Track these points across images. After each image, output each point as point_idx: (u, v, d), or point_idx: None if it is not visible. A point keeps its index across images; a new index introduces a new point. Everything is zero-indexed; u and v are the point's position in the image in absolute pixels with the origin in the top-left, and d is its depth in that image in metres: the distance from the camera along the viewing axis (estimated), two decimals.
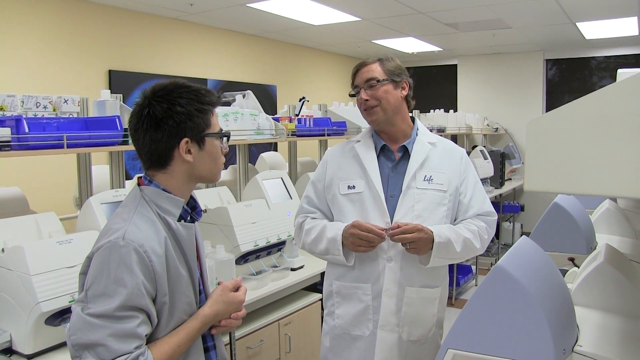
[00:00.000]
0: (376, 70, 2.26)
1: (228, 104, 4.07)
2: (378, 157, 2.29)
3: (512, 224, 8.27)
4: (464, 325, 1.23)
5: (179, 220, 1.63)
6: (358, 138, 2.39)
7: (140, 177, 1.68)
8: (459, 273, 6.48)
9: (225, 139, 1.71)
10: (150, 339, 1.54)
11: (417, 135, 2.33)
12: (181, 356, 1.61)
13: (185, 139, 1.59)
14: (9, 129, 2.36)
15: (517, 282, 1.18)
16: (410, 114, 2.39)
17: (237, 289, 1.78)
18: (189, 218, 1.70)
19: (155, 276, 1.50)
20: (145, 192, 1.62)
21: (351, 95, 2.35)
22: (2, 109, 2.60)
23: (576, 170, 0.94)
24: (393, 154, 2.30)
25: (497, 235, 7.95)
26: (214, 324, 1.72)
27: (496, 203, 7.46)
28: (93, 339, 1.41)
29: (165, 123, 1.57)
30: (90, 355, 1.41)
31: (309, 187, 2.43)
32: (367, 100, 2.25)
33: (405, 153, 2.29)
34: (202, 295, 1.73)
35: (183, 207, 1.65)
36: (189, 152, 1.60)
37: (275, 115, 4.16)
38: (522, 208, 8.06)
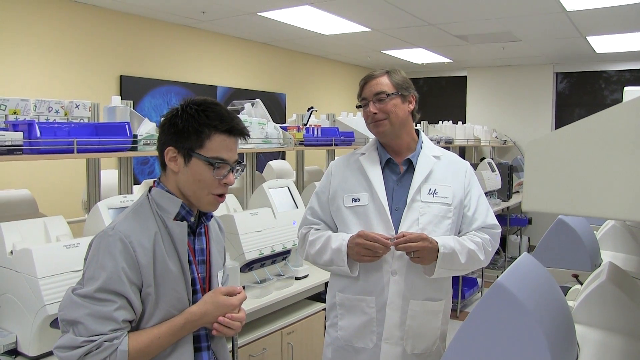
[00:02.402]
0: (385, 84, 2.27)
1: (237, 112, 4.10)
2: (383, 170, 2.30)
3: (519, 237, 8.23)
4: (462, 341, 1.24)
5: (181, 220, 1.73)
6: (363, 150, 2.39)
7: (155, 181, 1.81)
8: (465, 286, 6.46)
9: (220, 169, 1.71)
10: (136, 328, 1.65)
11: (421, 148, 2.34)
12: (167, 350, 1.68)
13: (170, 147, 1.69)
14: (22, 133, 2.41)
15: (516, 300, 1.18)
16: (415, 127, 2.40)
17: (232, 295, 1.80)
18: (192, 219, 1.78)
19: (140, 266, 1.61)
20: (152, 192, 1.76)
21: (358, 107, 2.36)
22: (15, 112, 2.65)
23: (576, 191, 0.95)
24: (398, 167, 2.31)
25: (503, 248, 7.92)
26: (207, 325, 1.75)
27: (503, 216, 7.44)
28: (75, 316, 1.54)
29: (165, 128, 1.71)
30: (72, 331, 1.55)
31: (313, 198, 2.44)
32: (375, 113, 2.26)
33: (410, 166, 2.29)
34: (198, 295, 1.78)
35: (184, 207, 1.73)
36: (174, 160, 1.70)
37: (284, 125, 4.18)
38: (529, 221, 8.03)
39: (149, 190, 1.78)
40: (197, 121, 1.67)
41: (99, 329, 1.53)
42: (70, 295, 1.58)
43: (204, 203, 1.75)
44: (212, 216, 1.89)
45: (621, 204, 0.92)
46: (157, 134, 1.79)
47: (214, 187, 1.72)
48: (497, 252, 7.60)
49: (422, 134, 2.41)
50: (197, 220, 1.82)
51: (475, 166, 6.93)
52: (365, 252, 2.13)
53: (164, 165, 1.75)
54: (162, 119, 1.75)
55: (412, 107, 2.32)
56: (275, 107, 7.87)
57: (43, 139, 2.47)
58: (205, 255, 1.84)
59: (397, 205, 2.24)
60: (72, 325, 1.55)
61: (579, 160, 0.95)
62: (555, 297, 1.38)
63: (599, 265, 2.47)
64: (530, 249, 8.39)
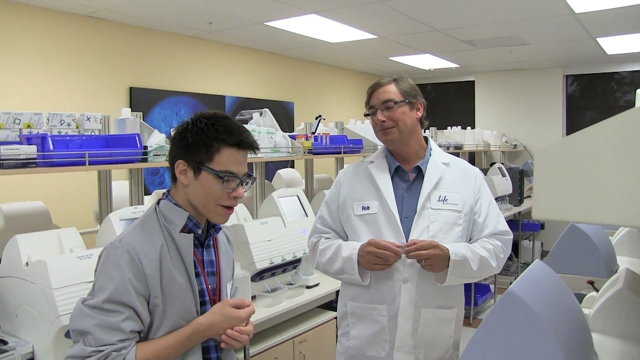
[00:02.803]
0: (392, 92, 2.27)
1: (245, 122, 4.10)
2: (392, 177, 2.29)
3: (531, 242, 8.17)
4: (475, 351, 1.22)
5: (189, 232, 1.75)
6: (371, 159, 2.39)
7: (164, 193, 1.83)
8: (477, 292, 6.42)
9: (229, 183, 1.72)
10: (145, 339, 1.68)
11: (430, 155, 2.33)
12: None
13: (180, 160, 1.72)
14: (35, 146, 2.46)
15: (528, 308, 1.16)
16: (424, 134, 2.40)
17: (241, 308, 1.81)
18: (199, 231, 1.79)
19: (146, 277, 1.63)
20: (160, 205, 1.78)
21: (366, 115, 2.36)
22: (29, 126, 2.69)
23: (588, 198, 0.93)
24: (407, 174, 2.30)
25: (516, 254, 7.86)
26: (215, 337, 1.76)
27: (515, 221, 7.39)
28: (84, 326, 1.58)
29: (176, 141, 1.74)
30: (82, 341, 1.58)
31: (322, 207, 2.43)
32: (384, 121, 2.25)
33: (419, 174, 2.29)
34: (207, 306, 1.79)
35: (190, 219, 1.75)
36: (184, 173, 1.73)
37: (292, 133, 4.18)
38: (542, 226, 7.97)
39: (158, 203, 1.79)
40: (207, 135, 1.68)
41: (107, 339, 1.56)
42: (80, 306, 1.62)
43: (213, 215, 1.76)
44: (220, 228, 1.90)
45: (634, 211, 0.91)
46: (168, 146, 1.80)
47: (223, 200, 1.73)
48: (510, 258, 7.56)
49: (431, 141, 2.40)
50: (205, 233, 1.84)
51: (485, 171, 6.90)
52: (376, 260, 2.12)
53: (174, 178, 1.77)
54: (173, 132, 1.77)
55: (420, 114, 2.31)
56: (284, 115, 7.88)
57: (56, 151, 2.51)
58: (215, 267, 1.85)
59: (407, 213, 2.23)
60: (82, 336, 1.58)
61: (590, 167, 0.94)
62: (569, 305, 1.36)
63: (616, 272, 2.44)
64: (543, 254, 8.34)
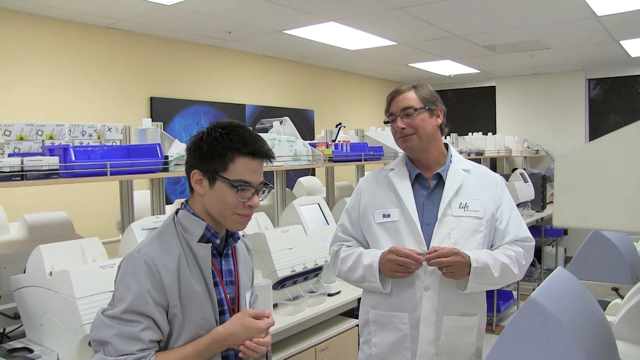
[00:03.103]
0: (412, 98, 2.26)
1: (266, 130, 4.12)
2: (412, 185, 2.28)
3: (555, 248, 8.08)
4: (497, 358, 1.22)
5: (207, 242, 1.75)
6: (392, 166, 2.38)
7: (182, 203, 1.84)
8: (500, 299, 6.36)
9: (244, 192, 1.72)
10: (164, 348, 1.68)
11: (451, 162, 2.32)
12: None
13: (196, 170, 1.72)
14: (58, 157, 2.50)
15: (551, 316, 1.15)
16: (445, 141, 2.39)
17: (260, 318, 1.82)
18: (217, 241, 1.80)
19: (165, 288, 1.64)
20: (178, 215, 1.79)
21: (386, 123, 2.36)
22: (51, 137, 2.74)
23: (610, 206, 0.92)
24: (427, 181, 2.29)
25: (539, 260, 7.78)
26: (234, 347, 1.76)
27: (538, 227, 7.32)
28: (104, 336, 1.59)
29: (191, 151, 1.74)
30: (102, 351, 1.59)
31: (343, 215, 2.43)
32: (403, 128, 2.25)
33: (440, 180, 2.28)
34: (226, 316, 1.80)
35: (208, 229, 1.76)
36: (200, 183, 1.73)
37: (313, 141, 4.18)
38: (565, 232, 7.88)
39: (176, 212, 1.81)
40: (221, 144, 1.69)
41: (127, 348, 1.57)
42: (100, 316, 1.63)
43: (230, 223, 1.77)
44: (239, 237, 1.90)
45: None
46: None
47: (239, 209, 1.72)
48: (533, 264, 7.49)
49: (451, 148, 2.39)
50: (224, 242, 1.84)
51: (507, 177, 6.85)
52: (397, 268, 2.11)
53: (191, 188, 1.77)
54: (190, 142, 1.78)
55: (440, 120, 2.30)
56: (304, 123, 7.89)
57: (78, 162, 2.55)
58: (234, 276, 1.86)
59: (428, 220, 2.22)
60: (102, 345, 1.59)
61: (612, 173, 0.93)
62: (593, 313, 1.34)
63: None
64: (566, 260, 8.25)
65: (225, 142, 1.69)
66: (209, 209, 1.75)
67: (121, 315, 1.59)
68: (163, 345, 1.68)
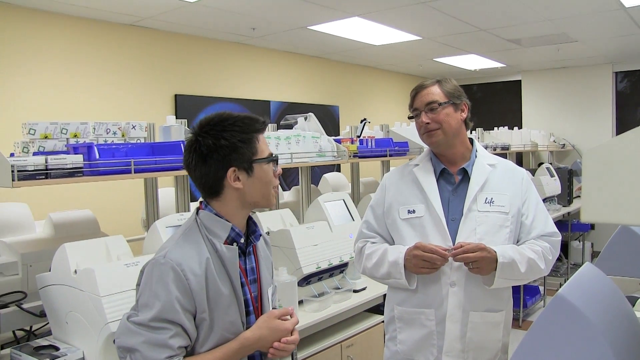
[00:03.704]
0: (436, 93, 2.25)
1: (290, 126, 4.12)
2: (437, 180, 2.27)
3: (581, 243, 7.99)
4: (524, 356, 1.21)
5: (231, 243, 1.74)
6: (416, 162, 2.37)
7: (201, 202, 1.80)
8: (526, 294, 6.31)
9: (275, 162, 1.79)
10: (191, 353, 1.67)
11: (476, 157, 2.30)
12: None
13: (233, 168, 1.70)
14: (82, 155, 2.50)
15: (579, 312, 1.14)
16: (470, 136, 2.37)
17: (286, 318, 1.82)
18: (242, 241, 1.79)
19: (193, 293, 1.62)
20: (200, 216, 1.76)
21: (410, 118, 2.34)
22: (76, 135, 2.75)
23: (636, 201, 0.91)
24: (453, 177, 2.28)
25: (565, 255, 7.71)
26: (262, 350, 1.77)
27: (564, 222, 7.24)
28: (131, 343, 1.58)
29: (212, 157, 1.69)
30: (129, 358, 1.58)
31: (368, 211, 2.43)
32: (428, 123, 2.23)
33: (465, 176, 2.26)
34: (251, 316, 1.80)
35: (233, 230, 1.75)
36: (237, 179, 1.71)
37: (337, 137, 4.18)
38: (592, 227, 7.78)
39: (197, 213, 1.78)
40: (243, 131, 1.71)
41: (155, 356, 1.56)
42: (126, 322, 1.61)
43: (272, 199, 1.81)
44: (260, 234, 1.89)
45: None
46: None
47: (274, 182, 1.79)
48: (559, 259, 7.42)
49: (476, 142, 2.37)
50: (246, 240, 1.84)
51: (533, 172, 6.79)
52: (422, 263, 2.11)
53: (218, 192, 1.74)
54: (198, 152, 1.70)
55: (464, 115, 2.29)
56: (329, 119, 7.89)
57: (102, 160, 2.56)
58: (256, 274, 1.86)
59: (454, 215, 2.21)
60: (129, 352, 1.58)
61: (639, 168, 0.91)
62: (621, 309, 1.33)
63: None
64: (593, 255, 8.16)
65: (244, 128, 1.71)
66: (250, 198, 1.75)
67: (149, 323, 1.57)
68: (190, 350, 1.66)
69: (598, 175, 0.94)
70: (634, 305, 2.16)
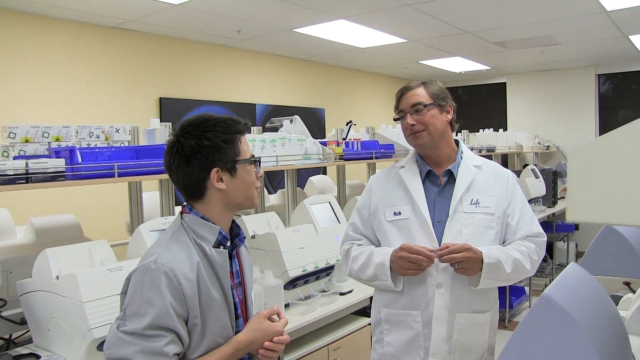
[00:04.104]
0: (422, 95, 2.25)
1: (276, 129, 4.12)
2: (423, 182, 2.27)
3: (566, 243, 8.05)
4: (510, 356, 1.21)
5: (217, 247, 1.71)
6: (402, 164, 2.37)
7: (184, 206, 1.78)
8: (512, 295, 6.34)
9: (258, 163, 1.79)
10: (182, 359, 1.62)
11: (461, 158, 2.30)
12: None
13: (216, 169, 1.68)
14: (64, 159, 2.46)
15: (565, 312, 1.14)
16: (455, 138, 2.37)
17: (274, 317, 1.82)
18: (228, 244, 1.77)
19: (185, 298, 1.59)
20: (185, 219, 1.73)
21: (395, 120, 2.34)
22: (58, 139, 2.71)
23: (624, 200, 0.91)
24: (438, 178, 2.28)
25: (550, 255, 7.76)
26: (253, 352, 1.76)
27: (549, 222, 7.28)
28: (124, 354, 1.51)
29: (194, 158, 1.67)
30: None
31: (354, 214, 2.42)
32: (413, 125, 2.23)
33: (451, 177, 2.27)
34: (240, 319, 1.78)
35: (220, 233, 1.73)
36: (220, 180, 1.69)
37: (323, 140, 4.18)
38: (576, 227, 7.84)
39: (181, 217, 1.75)
40: (225, 132, 1.70)
41: None
42: (116, 332, 1.55)
43: (254, 200, 1.80)
44: (244, 237, 1.88)
45: None
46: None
47: (256, 183, 1.78)
48: (544, 260, 7.46)
49: (462, 144, 2.38)
50: (231, 243, 1.82)
51: (518, 173, 6.83)
52: (408, 265, 2.10)
53: (201, 193, 1.72)
54: (179, 153, 1.69)
55: (450, 117, 2.29)
56: (315, 122, 7.89)
57: (84, 164, 2.53)
58: (240, 277, 1.85)
59: (440, 217, 2.21)
60: None
61: (626, 167, 0.91)
62: (606, 308, 1.33)
63: None
64: (578, 255, 8.22)
65: (227, 129, 1.70)
66: (233, 199, 1.73)
67: (143, 331, 1.52)
68: (181, 357, 1.62)
69: (583, 175, 0.94)
70: (617, 304, 2.17)
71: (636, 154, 0.91)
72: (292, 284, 3.12)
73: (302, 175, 5.83)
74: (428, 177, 2.29)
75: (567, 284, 1.27)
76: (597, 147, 0.94)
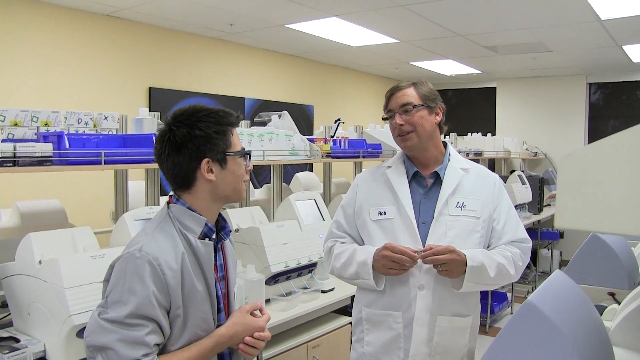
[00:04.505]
0: (411, 95, 2.23)
1: (264, 124, 4.09)
2: (409, 183, 2.26)
3: (550, 251, 8.08)
4: None
5: (203, 238, 1.70)
6: (389, 163, 2.36)
7: (171, 196, 1.77)
8: (494, 300, 6.35)
9: (248, 157, 1.78)
10: (163, 351, 1.61)
11: (449, 161, 2.29)
12: None
13: (206, 159, 1.67)
14: (51, 144, 2.46)
15: (548, 320, 1.12)
16: (443, 140, 2.36)
17: (258, 312, 1.81)
18: (213, 236, 1.76)
19: (169, 289, 1.58)
20: (172, 209, 1.72)
21: (384, 119, 2.33)
22: (47, 124, 2.71)
23: (613, 208, 0.90)
24: (425, 180, 2.26)
25: (534, 262, 7.78)
26: (234, 346, 1.75)
27: (534, 229, 7.31)
28: (104, 341, 1.50)
29: (185, 147, 1.66)
30: (101, 357, 1.51)
31: (338, 211, 2.41)
32: (402, 125, 2.22)
33: (437, 179, 2.25)
34: (222, 313, 1.77)
35: (206, 225, 1.72)
36: (210, 171, 1.69)
37: (311, 136, 4.16)
38: (561, 235, 7.87)
39: (168, 206, 1.74)
40: (218, 123, 1.69)
41: (131, 354, 1.50)
42: (97, 319, 1.54)
43: (242, 193, 1.79)
44: (230, 231, 1.87)
45: None
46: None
47: (245, 176, 1.78)
48: (528, 267, 7.48)
49: (450, 146, 2.37)
50: (216, 236, 1.81)
51: (505, 179, 6.84)
52: (391, 264, 2.09)
53: (189, 184, 1.70)
54: (171, 142, 1.68)
55: (439, 118, 2.28)
56: (303, 119, 7.87)
57: (72, 150, 2.51)
58: (224, 271, 1.83)
59: (425, 218, 2.20)
60: (101, 351, 1.51)
61: (616, 175, 0.90)
62: (590, 318, 1.31)
63: (639, 284, 2.38)
64: (562, 263, 8.26)
65: (219, 120, 1.70)
66: (221, 191, 1.72)
67: (124, 320, 1.51)
68: (161, 348, 1.61)
69: (573, 181, 0.92)
70: (602, 314, 2.17)
71: (626, 162, 0.90)
72: (274, 279, 3.10)
73: (289, 171, 5.81)
74: (414, 178, 2.28)
75: (552, 291, 1.25)
76: (588, 154, 0.92)
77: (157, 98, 5.96)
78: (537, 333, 1.13)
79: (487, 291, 5.75)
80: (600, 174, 0.91)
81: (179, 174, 1.69)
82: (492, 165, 8.30)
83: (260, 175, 6.81)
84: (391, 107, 2.26)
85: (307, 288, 3.29)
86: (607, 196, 0.90)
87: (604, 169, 0.91)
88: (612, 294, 2.39)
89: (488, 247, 2.24)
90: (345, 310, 3.42)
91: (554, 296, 1.23)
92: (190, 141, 1.65)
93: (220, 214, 1.83)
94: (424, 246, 2.13)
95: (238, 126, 1.80)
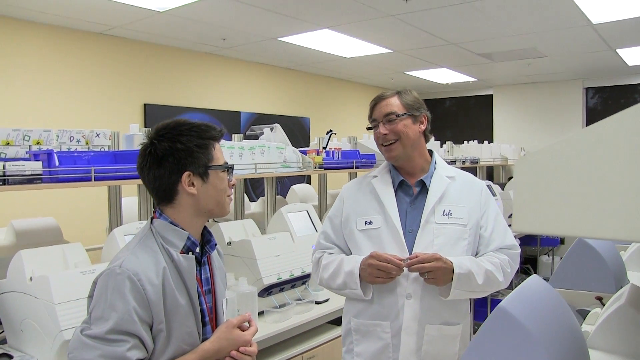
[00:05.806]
0: (395, 104, 2.24)
1: (256, 137, 4.10)
2: (396, 192, 2.26)
3: (550, 257, 8.05)
4: None
5: (186, 252, 1.70)
6: (375, 173, 2.36)
7: (155, 211, 1.77)
8: (493, 307, 6.29)
9: (230, 171, 1.78)
10: None
11: (435, 169, 2.29)
12: None
13: (187, 172, 1.67)
14: (41, 162, 2.48)
15: (519, 324, 1.13)
16: (429, 148, 2.36)
17: (245, 325, 1.79)
18: (197, 250, 1.76)
19: (150, 304, 1.57)
20: (155, 224, 1.72)
21: (369, 129, 2.34)
22: (39, 142, 2.73)
23: (571, 210, 0.90)
24: (411, 188, 2.26)
25: (534, 269, 7.74)
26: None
27: (533, 236, 7.27)
28: (86, 358, 1.50)
29: (166, 160, 1.66)
30: None
31: (325, 222, 2.41)
32: (385, 134, 2.23)
33: (424, 187, 2.25)
34: (207, 327, 1.76)
35: (189, 238, 1.71)
36: (192, 185, 1.68)
37: (303, 148, 4.17)
38: (561, 241, 7.84)
39: (151, 222, 1.74)
40: (200, 137, 1.69)
41: None
42: (80, 336, 1.54)
43: (226, 207, 1.78)
44: (215, 244, 1.87)
45: (621, 223, 0.86)
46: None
47: (228, 190, 1.77)
48: (527, 273, 7.45)
49: (436, 155, 2.37)
50: (201, 250, 1.81)
51: (503, 185, 6.82)
52: (377, 273, 2.08)
53: (171, 197, 1.71)
54: (152, 155, 1.68)
55: (423, 127, 2.28)
56: (300, 131, 7.89)
57: (61, 167, 2.54)
58: (210, 284, 1.83)
59: (411, 227, 2.20)
60: None
61: (574, 176, 0.90)
62: (565, 322, 1.31)
63: None
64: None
65: (201, 134, 1.70)
66: (204, 205, 1.72)
67: (105, 336, 1.51)
68: None
69: (531, 184, 0.93)
70: (585, 318, 2.16)
71: (588, 162, 0.90)
72: (267, 291, 3.09)
73: (286, 184, 5.82)
74: (400, 187, 2.28)
75: (525, 295, 1.25)
76: (547, 154, 0.92)
77: (152, 114, 5.98)
78: (509, 337, 1.14)
79: (484, 299, 5.73)
80: (559, 175, 0.91)
81: (160, 187, 1.69)
82: (490, 172, 8.29)
83: (257, 188, 6.82)
84: (375, 116, 2.27)
85: (301, 300, 3.28)
86: (566, 198, 0.90)
87: (563, 169, 0.91)
88: (599, 298, 2.39)
89: (476, 255, 2.23)
90: (339, 321, 3.40)
91: (527, 301, 1.23)
92: (171, 154, 1.66)
93: (205, 228, 1.82)
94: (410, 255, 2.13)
95: (220, 140, 1.80)
